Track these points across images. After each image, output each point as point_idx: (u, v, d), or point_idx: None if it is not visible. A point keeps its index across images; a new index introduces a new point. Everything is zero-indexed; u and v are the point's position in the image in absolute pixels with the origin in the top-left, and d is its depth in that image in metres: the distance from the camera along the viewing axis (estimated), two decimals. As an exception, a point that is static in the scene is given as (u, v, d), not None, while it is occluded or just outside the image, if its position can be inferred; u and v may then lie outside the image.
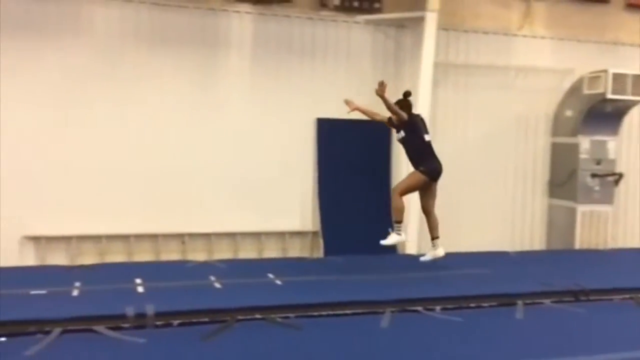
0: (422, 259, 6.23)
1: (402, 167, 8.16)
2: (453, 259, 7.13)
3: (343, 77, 8.03)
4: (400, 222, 5.99)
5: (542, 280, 5.85)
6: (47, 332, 4.18)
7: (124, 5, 7.14)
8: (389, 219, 8.13)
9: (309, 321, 4.72)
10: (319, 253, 7.91)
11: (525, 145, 8.93)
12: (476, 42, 8.56)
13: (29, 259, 6.96)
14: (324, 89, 7.92)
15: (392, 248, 7.87)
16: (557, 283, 5.79)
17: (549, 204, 9.04)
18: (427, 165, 5.98)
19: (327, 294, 5.28)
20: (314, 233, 7.98)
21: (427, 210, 6.18)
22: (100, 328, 4.30)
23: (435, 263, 6.84)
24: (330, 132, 7.97)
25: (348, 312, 4.95)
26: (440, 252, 6.18)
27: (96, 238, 7.18)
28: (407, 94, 6.19)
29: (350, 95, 7.84)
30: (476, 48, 8.58)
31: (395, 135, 6.29)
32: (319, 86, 7.93)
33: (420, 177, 5.97)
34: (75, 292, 5.18)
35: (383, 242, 5.99)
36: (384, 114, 6.24)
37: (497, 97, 8.65)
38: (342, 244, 7.75)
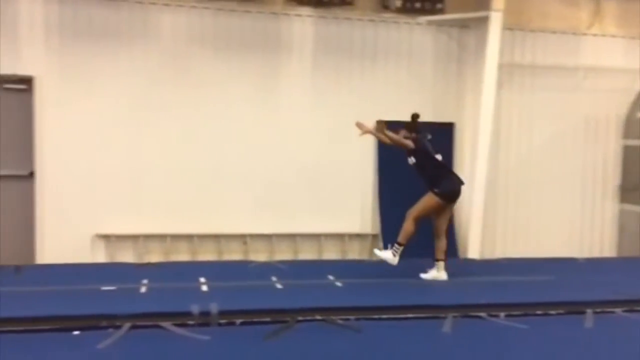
0: (422, 275, 6.04)
1: (464, 167, 8.08)
2: (519, 265, 6.97)
3: (404, 79, 7.99)
4: (401, 245, 5.87)
5: (613, 288, 5.62)
6: (118, 327, 4.33)
7: (190, 11, 7.36)
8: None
9: (369, 324, 4.70)
10: (379, 256, 7.87)
11: (595, 148, 8.61)
12: (543, 41, 8.33)
13: (100, 256, 7.26)
14: (385, 91, 7.91)
15: (453, 253, 7.80)
16: (629, 291, 5.54)
17: (620, 209, 8.67)
18: (443, 187, 5.87)
19: (387, 297, 5.26)
20: (374, 236, 7.96)
21: (438, 232, 6.03)
22: (166, 324, 4.41)
23: (500, 269, 6.71)
24: (391, 135, 7.92)
25: (409, 315, 4.90)
26: (443, 275, 6.00)
27: (162, 237, 7.40)
28: (415, 116, 6.06)
29: (412, 97, 7.87)
30: (543, 48, 8.34)
31: (408, 160, 6.11)
32: (380, 88, 7.91)
33: (436, 200, 5.87)
34: (143, 289, 5.35)
35: (376, 250, 6.04)
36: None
37: (564, 98, 8.38)
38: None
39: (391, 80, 7.95)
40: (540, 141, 8.40)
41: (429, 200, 5.89)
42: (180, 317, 4.51)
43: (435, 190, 5.85)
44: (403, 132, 5.98)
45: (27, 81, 7.04)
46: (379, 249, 6.08)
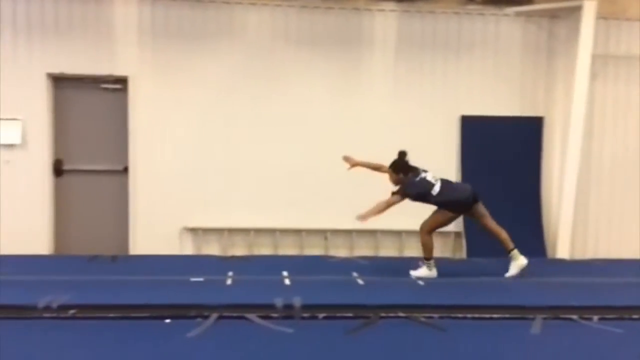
0: (507, 275, 5.86)
1: (554, 164, 7.76)
2: (611, 266, 6.64)
3: (490, 73, 7.77)
4: (429, 259, 5.83)
5: None
6: (206, 317, 4.48)
7: (274, 9, 7.49)
8: (537, 220, 7.78)
9: (453, 323, 4.61)
10: (462, 254, 7.71)
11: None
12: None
13: (188, 248, 7.55)
14: (470, 85, 7.72)
15: (542, 253, 7.52)
16: None
17: None
18: (450, 204, 5.77)
19: (472, 296, 5.14)
20: (457, 233, 7.79)
21: (486, 228, 5.92)
22: (252, 316, 4.53)
23: (591, 270, 6.42)
24: (475, 130, 7.73)
25: (495, 316, 4.77)
26: (522, 260, 5.82)
27: (246, 231, 7.59)
28: (402, 154, 5.95)
29: (498, 91, 7.65)
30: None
31: None
32: (464, 82, 7.74)
33: (446, 213, 5.79)
34: (229, 281, 5.51)
35: (412, 272, 5.90)
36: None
37: (663, 90, 7.86)
38: (486, 245, 7.46)
39: (476, 74, 7.74)
40: (636, 136, 7.92)
41: (438, 214, 5.89)
42: (265, 309, 4.62)
43: (443, 208, 5.82)
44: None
45: (122, 81, 7.41)
46: (413, 270, 5.98)
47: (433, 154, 7.71)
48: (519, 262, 5.85)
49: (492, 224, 5.95)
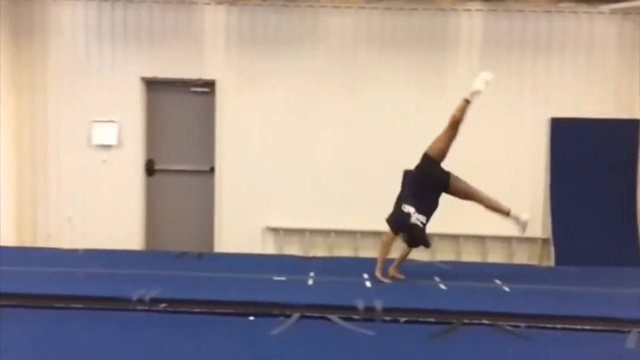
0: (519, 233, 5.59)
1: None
2: None
3: (582, 73, 7.44)
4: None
5: None
6: (288, 316, 4.55)
7: (357, 11, 7.52)
8: (632, 228, 7.36)
9: (541, 333, 4.44)
10: (549, 261, 7.42)
11: None
12: None
13: (269, 247, 7.71)
14: (560, 86, 7.44)
15: (637, 262, 7.11)
16: None
17: None
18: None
19: (561, 306, 4.92)
20: (544, 240, 7.51)
21: (476, 200, 5.58)
22: (333, 317, 4.56)
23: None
24: (565, 132, 7.43)
25: (586, 327, 4.55)
26: (524, 216, 5.49)
27: (326, 232, 7.66)
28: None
29: (591, 92, 7.31)
30: None
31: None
32: (554, 83, 7.46)
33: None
34: (310, 281, 5.57)
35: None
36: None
37: None
38: (576, 252, 7.18)
39: (568, 75, 7.44)
40: None
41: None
42: (346, 311, 4.62)
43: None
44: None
45: (210, 84, 7.69)
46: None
47: (520, 157, 7.53)
48: (521, 217, 5.52)
49: (477, 192, 5.65)
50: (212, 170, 7.77)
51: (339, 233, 7.64)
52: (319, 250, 7.60)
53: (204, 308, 4.69)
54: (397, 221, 5.51)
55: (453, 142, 5.54)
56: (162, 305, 4.71)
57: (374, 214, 7.51)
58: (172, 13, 7.62)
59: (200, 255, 6.70)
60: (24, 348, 3.90)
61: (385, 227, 7.52)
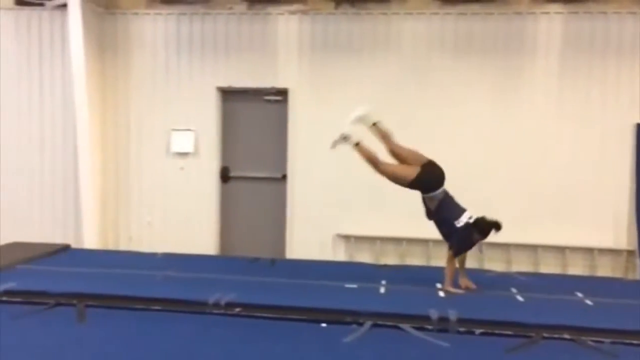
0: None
1: None
2: None
3: (671, 76, 7.03)
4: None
5: None
6: (360, 324, 4.54)
7: (431, 17, 7.44)
8: None
9: (627, 349, 4.21)
10: (635, 274, 7.03)
11: None
12: None
13: (340, 254, 7.71)
14: (647, 93, 7.05)
15: None
16: None
17: None
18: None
19: (650, 322, 4.65)
20: (629, 252, 7.13)
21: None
22: (406, 326, 4.50)
23: None
24: (652, 139, 7.04)
25: (678, 346, 4.28)
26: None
27: (398, 240, 7.58)
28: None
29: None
30: None
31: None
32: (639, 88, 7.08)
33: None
34: (382, 290, 5.53)
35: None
36: None
37: None
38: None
39: (656, 80, 7.06)
40: None
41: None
42: (419, 321, 4.56)
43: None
44: None
45: (283, 93, 7.81)
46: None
47: (603, 164, 7.20)
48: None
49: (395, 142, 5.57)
50: (284, 177, 7.87)
51: (411, 241, 7.55)
52: (390, 259, 7.53)
53: (277, 313, 4.75)
54: (459, 242, 5.40)
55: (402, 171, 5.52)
56: (237, 309, 4.80)
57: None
58: (247, 24, 7.80)
59: (272, 261, 6.79)
60: (106, 346, 4.08)
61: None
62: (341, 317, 4.63)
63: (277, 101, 7.90)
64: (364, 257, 7.63)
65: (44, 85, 8.05)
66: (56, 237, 7.84)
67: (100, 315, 4.73)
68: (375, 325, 4.53)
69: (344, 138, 5.56)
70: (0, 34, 8.06)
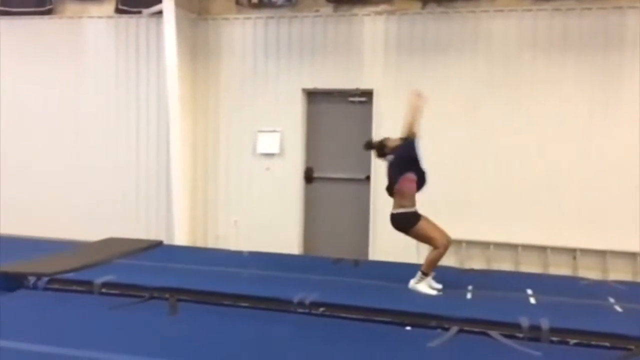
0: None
1: None
2: None
3: None
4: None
5: None
6: (446, 329, 4.45)
7: (522, 14, 7.18)
8: None
9: None
10: None
11: None
12: None
13: (423, 257, 7.53)
14: None
15: None
16: None
17: None
18: None
19: None
20: None
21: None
22: (494, 333, 4.36)
23: None
24: None
25: None
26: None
27: (484, 245, 7.36)
28: None
29: None
30: None
31: None
32: None
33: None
34: (468, 295, 5.39)
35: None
36: None
37: None
38: None
39: None
40: None
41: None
42: (508, 328, 4.41)
43: None
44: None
45: (368, 94, 7.79)
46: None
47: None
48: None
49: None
50: (368, 178, 7.84)
51: (498, 245, 7.31)
52: (476, 263, 7.32)
53: (360, 314, 4.74)
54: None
55: None
56: (321, 309, 4.83)
57: (537, 227, 7.16)
58: (333, 26, 7.84)
59: (356, 262, 6.78)
60: (196, 339, 4.23)
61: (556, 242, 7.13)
62: (426, 321, 4.57)
63: (361, 102, 7.89)
64: (449, 260, 7.39)
65: (140, 88, 8.48)
66: (150, 234, 8.23)
67: (191, 310, 4.91)
68: (461, 331, 4.43)
69: None
70: (102, 40, 8.58)
